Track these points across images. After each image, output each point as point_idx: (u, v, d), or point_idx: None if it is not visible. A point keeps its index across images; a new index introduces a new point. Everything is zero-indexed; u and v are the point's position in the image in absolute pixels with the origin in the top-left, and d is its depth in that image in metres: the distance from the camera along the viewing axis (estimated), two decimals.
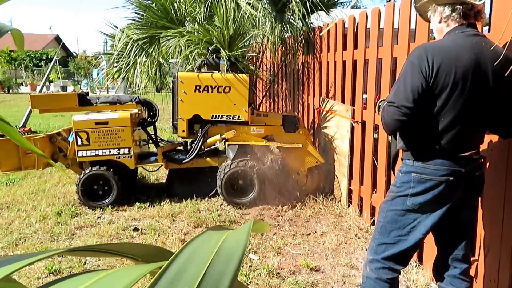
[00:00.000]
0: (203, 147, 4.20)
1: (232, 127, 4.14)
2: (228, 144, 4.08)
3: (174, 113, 4.11)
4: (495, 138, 2.11)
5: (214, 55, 4.02)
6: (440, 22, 1.87)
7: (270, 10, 4.51)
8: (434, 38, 2.08)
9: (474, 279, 2.32)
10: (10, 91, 21.74)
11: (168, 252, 0.54)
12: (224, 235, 0.47)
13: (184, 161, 4.20)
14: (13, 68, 27.98)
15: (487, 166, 2.15)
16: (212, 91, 3.97)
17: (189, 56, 4.30)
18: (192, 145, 4.30)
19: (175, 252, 0.43)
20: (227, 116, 4.05)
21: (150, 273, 0.44)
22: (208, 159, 4.26)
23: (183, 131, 4.10)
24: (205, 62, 4.04)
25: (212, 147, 4.25)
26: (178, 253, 0.43)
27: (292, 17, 4.48)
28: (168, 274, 0.40)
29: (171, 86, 4.51)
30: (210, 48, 4.04)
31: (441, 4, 1.84)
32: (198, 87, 3.96)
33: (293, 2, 4.26)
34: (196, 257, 0.43)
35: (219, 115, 4.05)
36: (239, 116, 4.05)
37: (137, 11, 4.87)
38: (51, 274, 2.78)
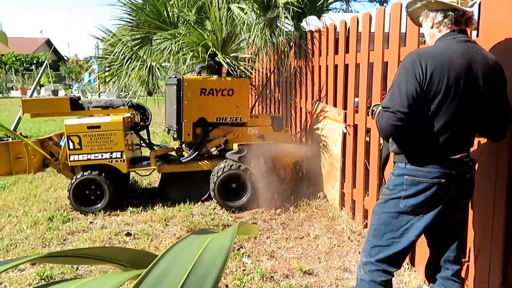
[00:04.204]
0: (207, 148, 4.27)
1: (232, 129, 4.30)
2: (239, 144, 4.13)
3: (179, 116, 4.09)
4: (484, 141, 2.14)
5: (213, 59, 4.07)
6: (432, 27, 1.90)
7: (261, 14, 4.53)
8: (424, 42, 2.11)
9: (465, 280, 2.34)
10: (0, 95, 21.53)
11: (153, 255, 0.54)
12: (208, 239, 0.48)
13: (183, 160, 4.22)
14: (4, 72, 27.72)
15: (476, 169, 2.18)
16: (216, 94, 4.10)
17: (181, 59, 4.30)
18: (184, 146, 4.35)
19: (158, 256, 0.44)
20: (230, 118, 4.22)
21: (135, 278, 0.44)
22: (201, 162, 4.26)
23: (189, 134, 4.13)
24: (205, 66, 4.11)
25: (218, 149, 4.38)
26: (161, 256, 0.43)
27: (281, 21, 4.51)
28: (150, 277, 0.41)
29: (164, 90, 4.52)
30: (209, 52, 4.09)
31: (433, 10, 1.87)
32: (203, 90, 4.07)
33: (281, 8, 4.28)
34: (179, 260, 0.43)
35: (223, 117, 4.20)
36: (241, 118, 4.25)
37: (129, 12, 4.86)
38: (42, 280, 2.75)
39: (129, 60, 4.75)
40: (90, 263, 0.53)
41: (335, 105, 4.12)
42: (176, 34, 4.29)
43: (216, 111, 4.16)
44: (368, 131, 3.51)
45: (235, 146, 4.13)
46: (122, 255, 0.54)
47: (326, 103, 4.32)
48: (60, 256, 0.52)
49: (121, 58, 4.73)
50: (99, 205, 4.00)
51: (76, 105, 4.23)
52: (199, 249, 0.45)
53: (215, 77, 4.13)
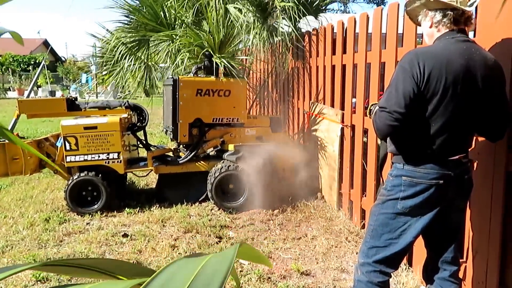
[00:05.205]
0: (203, 149, 4.27)
1: (229, 129, 4.28)
2: (235, 145, 4.13)
3: (175, 117, 4.08)
4: (482, 141, 2.13)
5: (209, 60, 4.07)
6: (430, 27, 1.89)
7: (258, 15, 4.53)
8: (421, 43, 2.10)
9: (463, 281, 2.34)
10: None
11: (149, 270, 0.53)
12: (206, 258, 0.46)
13: (181, 161, 4.21)
14: (1, 73, 27.61)
15: (474, 169, 2.18)
16: (213, 95, 4.10)
17: (178, 60, 4.30)
18: (182, 147, 4.34)
19: (157, 271, 0.43)
20: (227, 118, 4.21)
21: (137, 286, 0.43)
22: (198, 163, 4.25)
23: (185, 135, 4.12)
24: (202, 66, 4.10)
25: (215, 149, 4.39)
26: (159, 272, 0.42)
27: (279, 22, 4.51)
28: (155, 282, 0.40)
29: (162, 91, 4.51)
30: (206, 53, 4.08)
31: (432, 9, 1.86)
32: (199, 91, 4.07)
33: (278, 11, 4.28)
34: (177, 277, 0.42)
35: (219, 118, 4.19)
36: (238, 119, 4.24)
37: (126, 15, 4.85)
38: (38, 282, 2.74)
39: (126, 58, 4.74)
40: (89, 276, 0.52)
41: (332, 105, 4.12)
42: (173, 35, 4.28)
43: (213, 112, 4.15)
44: (365, 131, 3.51)
45: (231, 147, 4.13)
46: (124, 270, 0.53)
47: (324, 103, 4.32)
48: (58, 266, 0.51)
49: (118, 56, 4.71)
50: (96, 206, 3.98)
51: (72, 106, 4.21)
52: (197, 267, 0.44)
53: (212, 77, 4.13)
